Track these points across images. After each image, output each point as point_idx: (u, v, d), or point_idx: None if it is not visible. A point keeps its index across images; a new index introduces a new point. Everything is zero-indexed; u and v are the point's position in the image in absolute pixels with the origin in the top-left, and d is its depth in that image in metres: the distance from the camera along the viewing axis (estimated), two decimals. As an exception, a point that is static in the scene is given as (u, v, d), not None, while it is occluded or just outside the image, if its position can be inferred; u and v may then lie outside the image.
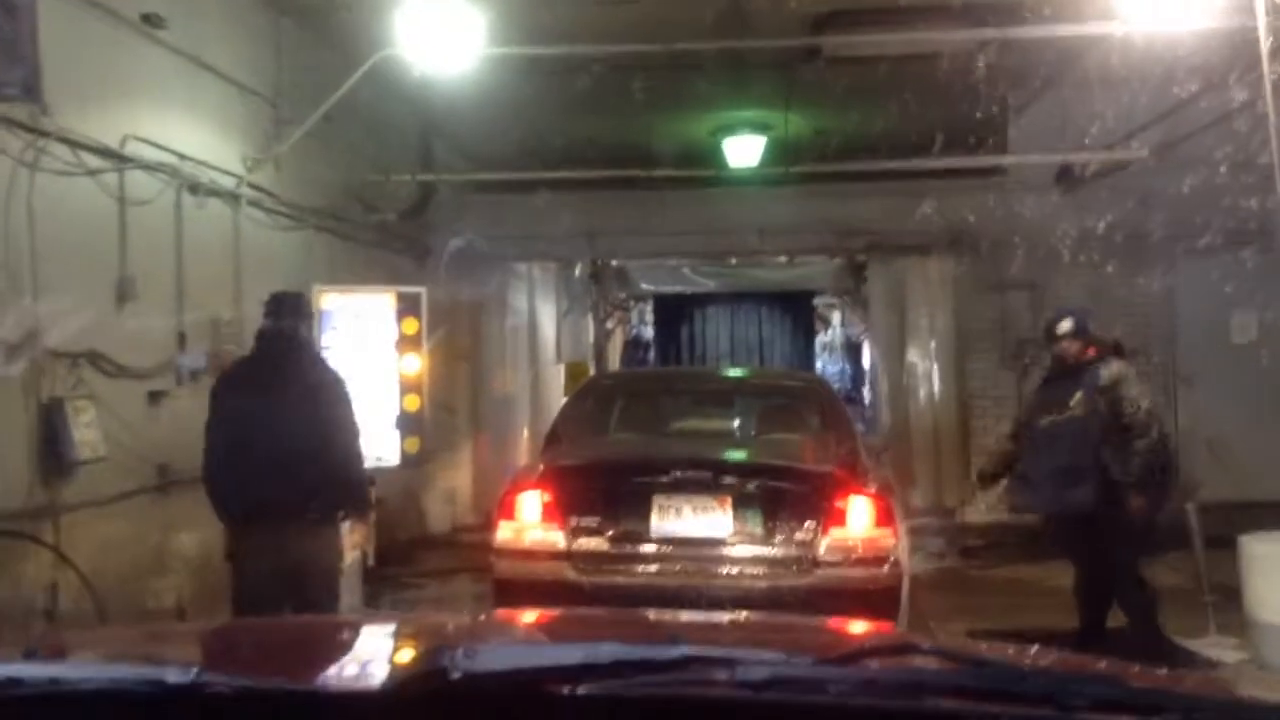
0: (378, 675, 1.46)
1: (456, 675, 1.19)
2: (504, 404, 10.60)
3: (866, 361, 16.53)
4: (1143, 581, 5.77)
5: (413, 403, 7.68)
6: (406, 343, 7.71)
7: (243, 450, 4.58)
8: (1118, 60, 7.94)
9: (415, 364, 7.73)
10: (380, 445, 7.54)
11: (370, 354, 7.65)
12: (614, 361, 15.73)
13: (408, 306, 7.74)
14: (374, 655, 1.80)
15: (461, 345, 10.71)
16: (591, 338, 13.50)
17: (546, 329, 10.82)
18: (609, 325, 14.77)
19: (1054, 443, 5.71)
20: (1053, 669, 1.41)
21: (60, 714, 1.25)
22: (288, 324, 4.87)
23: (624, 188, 10.63)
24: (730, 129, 11.16)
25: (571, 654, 1.26)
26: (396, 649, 1.85)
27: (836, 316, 16.98)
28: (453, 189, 10.63)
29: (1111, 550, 5.66)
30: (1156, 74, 7.80)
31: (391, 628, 2.19)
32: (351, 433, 4.91)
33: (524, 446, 10.62)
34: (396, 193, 9.10)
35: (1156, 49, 6.96)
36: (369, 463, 5.96)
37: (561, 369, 10.88)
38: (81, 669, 1.42)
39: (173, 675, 1.27)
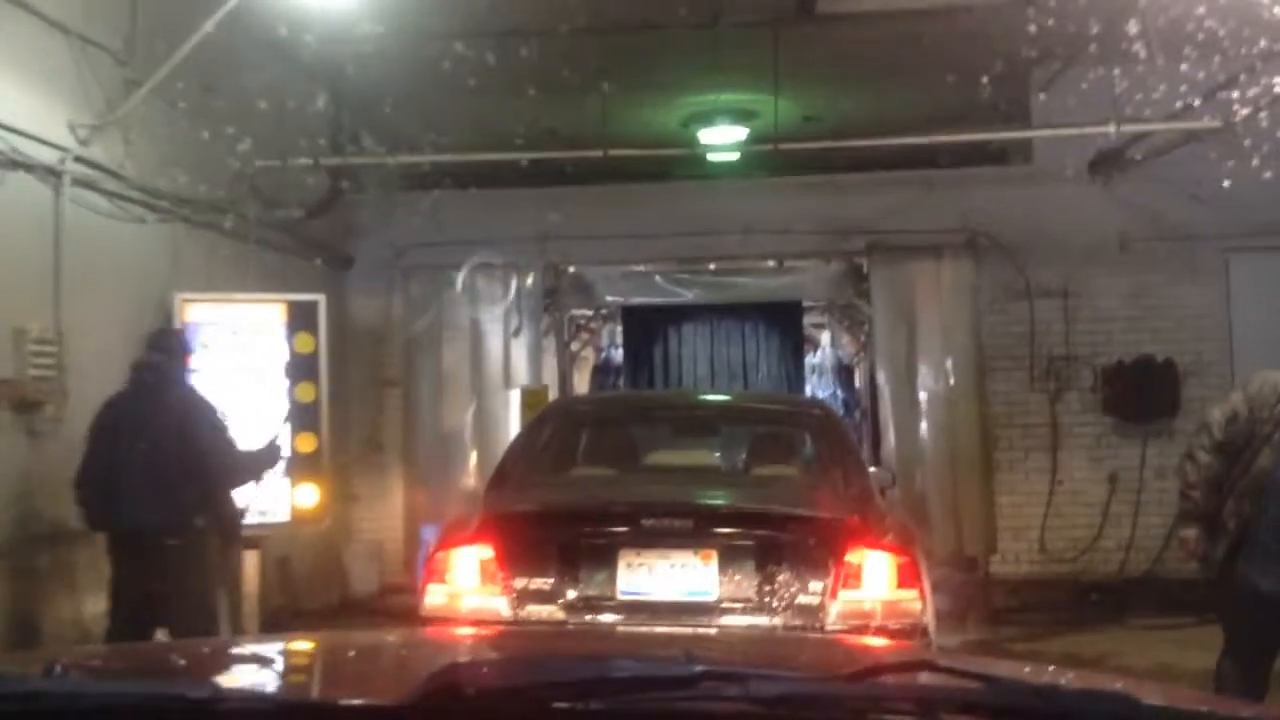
0: (393, 690, 1.41)
1: (471, 691, 1.26)
2: (443, 439, 9.03)
3: (860, 385, 15.14)
4: None
5: (307, 442, 6.13)
6: (300, 365, 6.16)
7: (113, 474, 4.80)
8: (1163, 25, 6.52)
9: (311, 393, 6.15)
10: (265, 497, 5.97)
11: (253, 379, 6.08)
12: (581, 390, 14.26)
13: (301, 319, 6.23)
14: (389, 670, 1.84)
15: (391, 370, 9.14)
16: (554, 362, 11.99)
17: (493, 350, 9.28)
18: (574, 348, 13.23)
19: None
20: (1068, 687, 1.38)
21: None
22: (158, 358, 5.02)
23: (583, 182, 9.14)
24: (706, 118, 9.68)
25: (585, 669, 1.33)
26: (411, 664, 1.88)
27: (826, 337, 15.69)
28: (379, 185, 9.07)
29: None
30: (1207, 44, 6.43)
31: (406, 643, 2.30)
32: (218, 456, 4.98)
33: (467, 489, 9.02)
34: (302, 184, 7.53)
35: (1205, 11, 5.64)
36: (252, 518, 5.62)
37: (512, 397, 9.33)
38: (101, 685, 1.48)
39: (192, 690, 1.35)
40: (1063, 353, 8.76)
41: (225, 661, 1.93)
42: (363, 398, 9.07)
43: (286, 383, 6.12)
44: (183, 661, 1.95)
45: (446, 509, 8.55)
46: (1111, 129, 7.23)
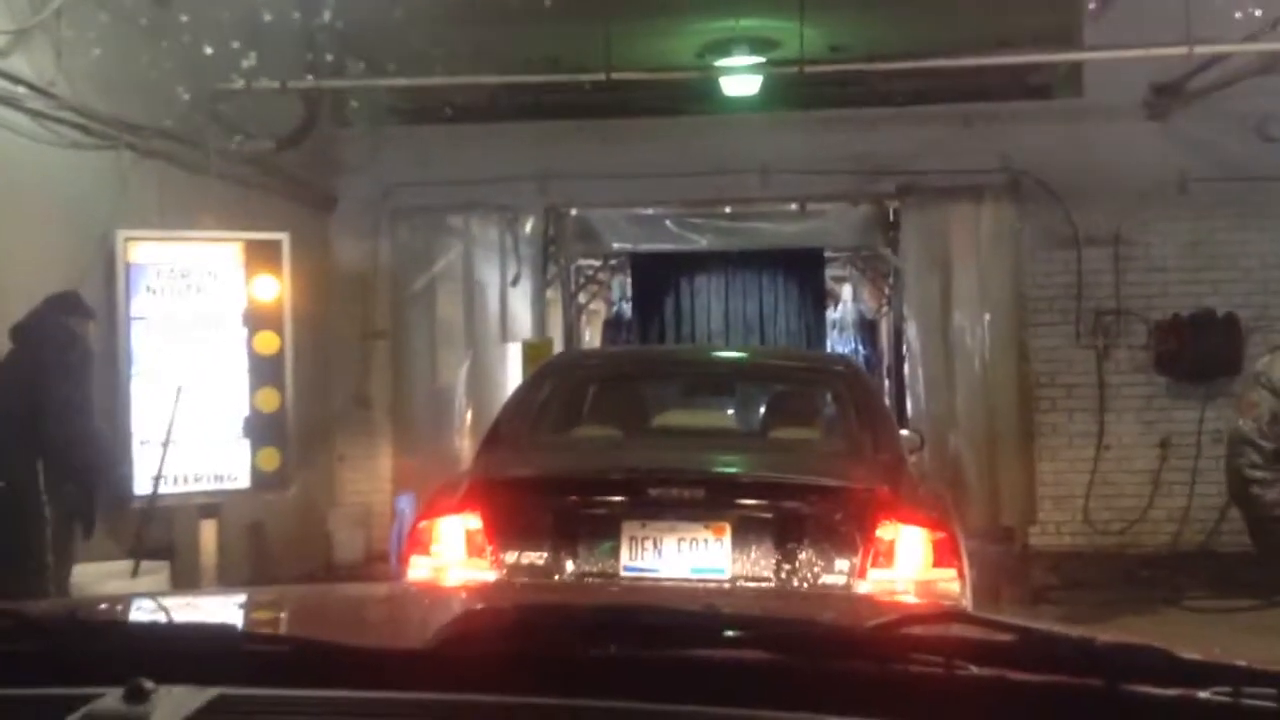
0: (419, 636, 1.38)
1: (493, 635, 1.28)
2: (434, 396, 8.37)
3: (884, 342, 14.48)
4: None
5: (269, 399, 5.52)
6: (260, 312, 5.51)
7: None
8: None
9: (273, 343, 5.49)
10: (223, 459, 5.37)
11: (207, 328, 5.44)
12: (592, 346, 13.61)
13: (262, 260, 5.54)
14: (414, 618, 1.83)
15: (379, 320, 8.47)
16: (560, 314, 11.29)
17: (490, 300, 8.58)
18: (582, 300, 12.52)
19: None
20: (1104, 640, 1.30)
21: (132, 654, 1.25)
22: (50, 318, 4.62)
23: (586, 115, 8.40)
24: (723, 48, 8.89)
25: (608, 616, 1.35)
26: (436, 611, 1.83)
27: (847, 290, 14.96)
28: (364, 117, 8.35)
29: None
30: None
31: (430, 593, 2.47)
32: (65, 413, 4.48)
33: (461, 449, 8.38)
34: (273, 112, 6.82)
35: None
36: (206, 483, 5.31)
37: (510, 351, 8.65)
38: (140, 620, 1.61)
39: (224, 633, 1.43)
40: (1112, 306, 8.04)
41: (252, 607, 1.89)
42: (348, 350, 8.41)
43: (244, 332, 5.45)
44: (213, 606, 2.00)
45: (437, 472, 7.93)
46: (1184, 50, 6.40)
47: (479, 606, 1.36)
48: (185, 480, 5.35)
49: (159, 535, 5.40)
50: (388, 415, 8.43)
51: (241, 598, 2.14)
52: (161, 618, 1.69)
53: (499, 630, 1.29)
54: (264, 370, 5.48)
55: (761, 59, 8.70)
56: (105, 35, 5.47)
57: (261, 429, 5.47)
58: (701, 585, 3.65)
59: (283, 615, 1.79)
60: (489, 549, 3.93)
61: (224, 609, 1.93)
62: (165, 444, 4.94)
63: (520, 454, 4.52)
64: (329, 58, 7.37)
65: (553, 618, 1.37)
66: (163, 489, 5.23)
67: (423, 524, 4.12)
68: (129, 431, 5.19)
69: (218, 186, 6.41)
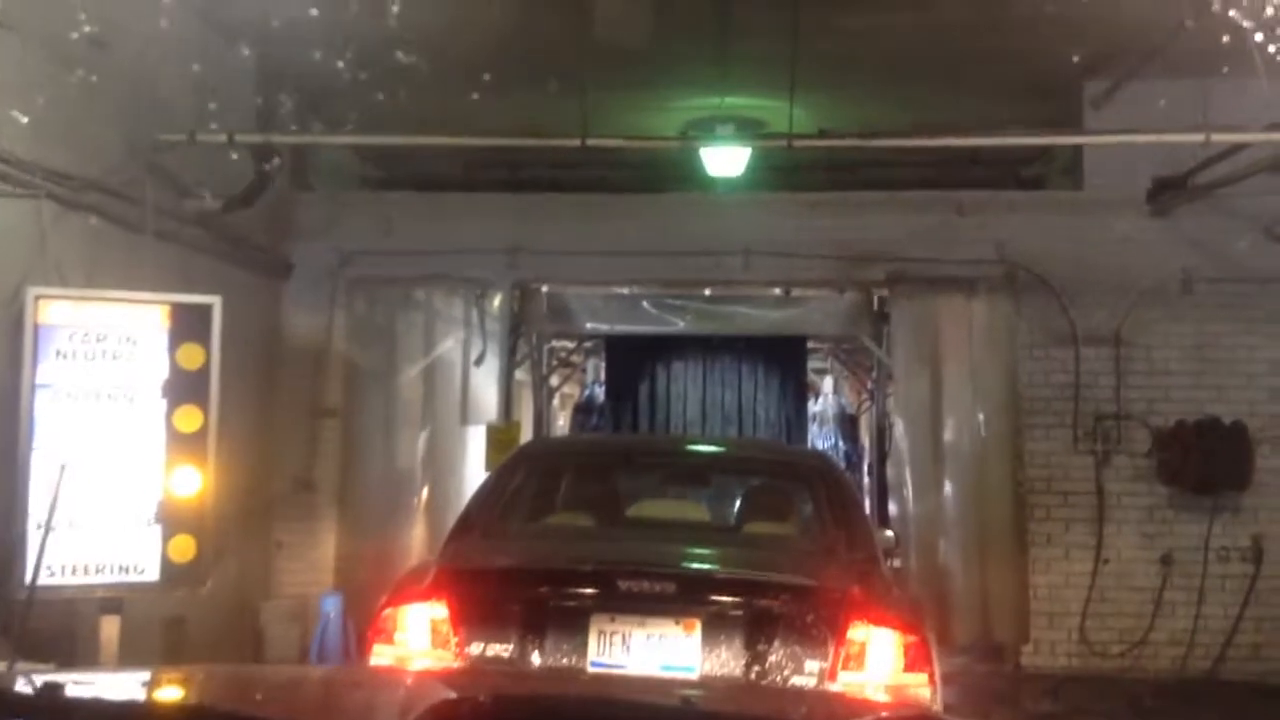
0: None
1: None
2: (385, 480, 7.82)
3: (865, 437, 14.11)
4: None
5: (186, 482, 4.98)
6: (183, 383, 5.01)
7: None
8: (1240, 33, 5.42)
9: (196, 419, 4.97)
10: (129, 548, 4.84)
11: (120, 400, 4.93)
12: (561, 431, 13.10)
13: (189, 326, 5.04)
14: (369, 706, 1.79)
15: (329, 397, 7.95)
16: (530, 396, 10.79)
17: (450, 380, 8.09)
18: (554, 382, 12.05)
19: None
20: None
21: None
22: None
23: (561, 188, 8.02)
24: (707, 126, 8.56)
25: (581, 707, 1.44)
26: (396, 699, 1.83)
27: (828, 383, 14.68)
28: (323, 180, 7.96)
29: None
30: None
31: (388, 679, 2.42)
32: None
33: (413, 538, 7.80)
34: (222, 168, 6.39)
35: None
36: (108, 574, 4.73)
37: (469, 434, 8.13)
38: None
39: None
40: (1113, 410, 7.61)
41: (228, 690, 1.83)
42: (294, 428, 7.87)
43: (164, 405, 4.92)
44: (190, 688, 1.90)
45: (384, 563, 7.35)
46: (1200, 136, 6.08)
47: (448, 697, 1.34)
48: (85, 570, 4.78)
49: (52, 631, 4.81)
50: (333, 500, 7.85)
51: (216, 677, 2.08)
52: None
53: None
54: (183, 448, 4.94)
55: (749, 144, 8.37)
56: (33, 76, 5.05)
57: (176, 515, 4.91)
58: (674, 679, 3.69)
59: (228, 696, 1.72)
60: (454, 639, 3.90)
61: (201, 691, 1.86)
62: (46, 529, 4.37)
63: (489, 542, 4.51)
64: (287, 114, 7.00)
65: (521, 707, 1.40)
66: (60, 580, 4.67)
67: (387, 611, 4.04)
68: (25, 512, 4.63)
69: (157, 247, 5.94)
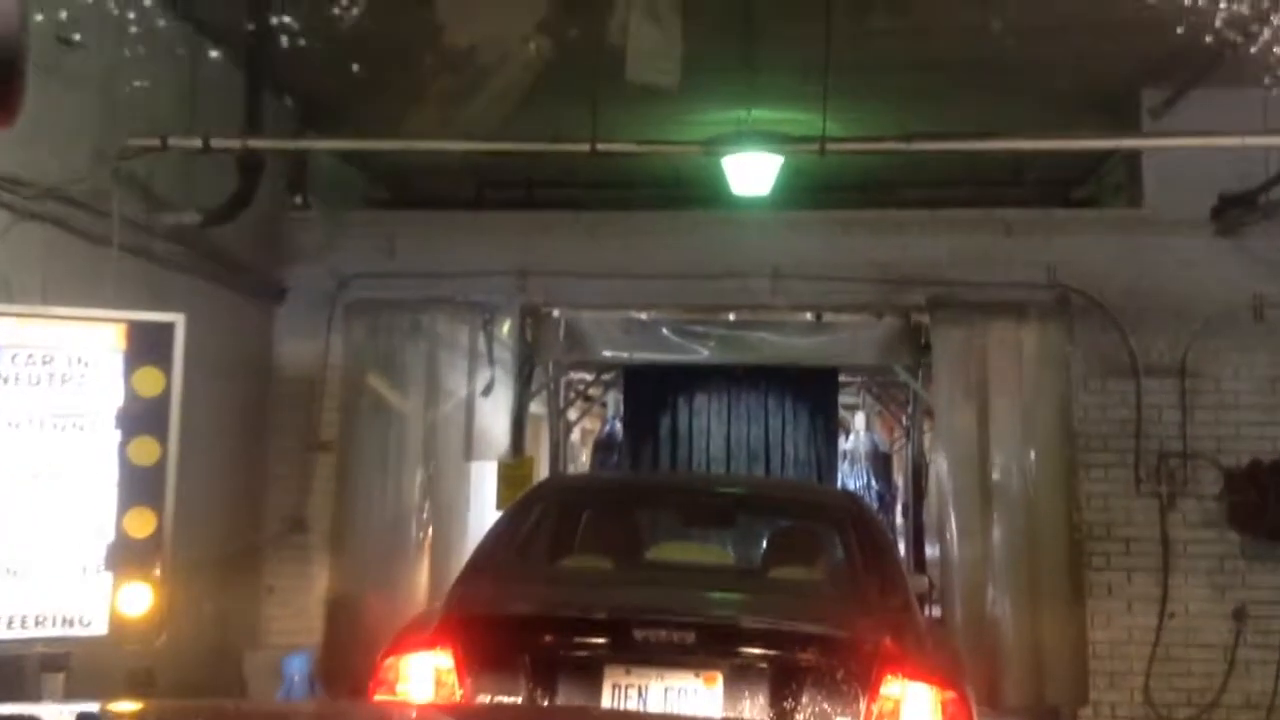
0: None
1: None
2: (383, 519, 7.28)
3: (899, 477, 13.57)
4: None
5: (141, 522, 4.44)
6: (139, 412, 4.49)
7: None
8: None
9: (153, 452, 4.46)
10: (76, 598, 4.34)
11: (69, 430, 4.43)
12: (582, 467, 12.59)
13: (147, 347, 4.54)
14: None
15: (325, 430, 7.43)
16: (547, 430, 10.25)
17: (455, 411, 7.56)
18: (571, 417, 11.50)
19: None
20: None
21: None
22: None
23: (575, 206, 7.51)
24: (733, 141, 8.02)
25: None
26: None
27: (860, 419, 14.16)
28: (321, 204, 7.49)
29: None
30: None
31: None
32: None
33: (413, 582, 7.25)
34: (201, 179, 5.91)
35: None
36: (51, 627, 4.23)
37: (475, 471, 7.59)
38: None
39: None
40: (1178, 448, 6.97)
41: None
42: (286, 463, 7.35)
43: (118, 436, 4.40)
44: None
45: (380, 609, 6.81)
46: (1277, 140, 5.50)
47: None
48: (23, 623, 4.23)
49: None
50: (327, 541, 7.31)
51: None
52: None
53: None
54: (139, 485, 4.39)
55: (778, 156, 7.84)
56: None
57: (128, 560, 4.36)
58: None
59: None
60: (459, 691, 3.84)
61: None
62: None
63: (499, 587, 4.37)
64: (284, 126, 6.54)
65: None
66: (-4, 633, 4.13)
67: (389, 661, 3.98)
68: (-45, 556, 4.11)
69: (128, 264, 5.44)
